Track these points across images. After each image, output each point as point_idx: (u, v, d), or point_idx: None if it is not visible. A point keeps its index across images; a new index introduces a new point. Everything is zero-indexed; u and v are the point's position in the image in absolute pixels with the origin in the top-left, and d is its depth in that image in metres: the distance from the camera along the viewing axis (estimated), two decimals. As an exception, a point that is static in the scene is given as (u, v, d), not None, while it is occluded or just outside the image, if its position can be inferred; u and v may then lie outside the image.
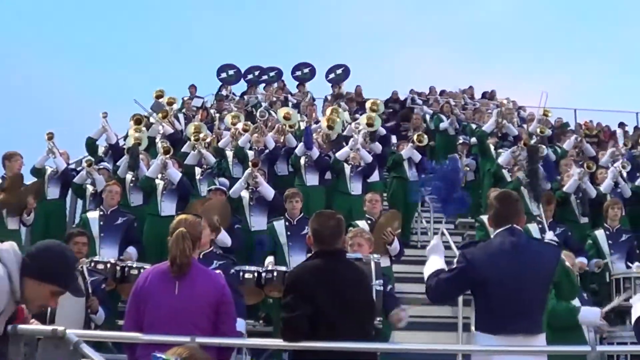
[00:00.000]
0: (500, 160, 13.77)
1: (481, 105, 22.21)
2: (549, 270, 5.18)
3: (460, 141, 16.13)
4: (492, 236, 5.48)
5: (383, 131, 15.67)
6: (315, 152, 13.10)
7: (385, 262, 9.14)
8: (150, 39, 50.60)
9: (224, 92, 22.03)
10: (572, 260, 8.00)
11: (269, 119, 15.41)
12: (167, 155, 11.66)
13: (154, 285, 5.22)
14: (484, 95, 24.74)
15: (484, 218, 10.90)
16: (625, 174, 13.14)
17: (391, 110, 21.85)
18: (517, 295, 4.97)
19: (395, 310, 6.51)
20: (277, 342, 5.17)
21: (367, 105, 15.47)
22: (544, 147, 13.87)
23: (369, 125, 14.03)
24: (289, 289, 5.02)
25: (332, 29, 52.78)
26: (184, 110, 18.96)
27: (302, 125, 15.72)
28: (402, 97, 23.21)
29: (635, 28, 50.02)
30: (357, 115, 17.10)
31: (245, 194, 11.42)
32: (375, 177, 13.76)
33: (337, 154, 13.18)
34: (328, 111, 15.84)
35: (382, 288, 6.18)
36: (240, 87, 23.49)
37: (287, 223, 10.26)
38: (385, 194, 14.03)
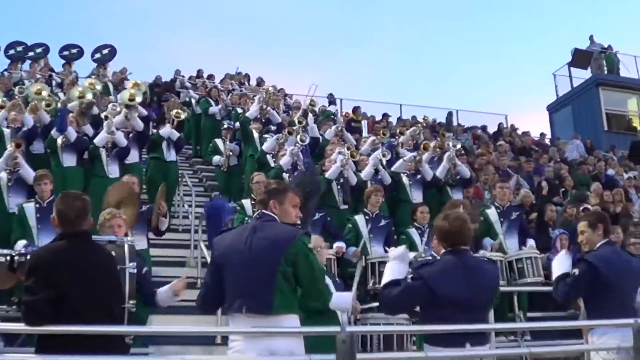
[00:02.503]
0: (264, 146, 14.04)
1: (249, 91, 22.40)
2: (281, 250, 5.10)
3: (225, 126, 16.25)
4: None
5: (144, 112, 15.29)
6: (71, 134, 12.59)
7: (142, 244, 9.13)
8: None
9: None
10: (321, 243, 8.21)
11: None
12: None
13: None
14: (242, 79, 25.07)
15: (244, 202, 11.08)
16: (385, 162, 13.63)
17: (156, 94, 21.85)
18: (243, 275, 5.06)
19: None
20: (26, 327, 4.96)
21: (129, 85, 15.29)
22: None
23: (130, 100, 13.78)
24: (31, 271, 4.88)
25: (99, 9, 51.65)
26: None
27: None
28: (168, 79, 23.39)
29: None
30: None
31: (3, 175, 10.99)
32: (134, 158, 13.53)
33: (96, 140, 12.62)
34: (86, 82, 15.36)
35: (135, 271, 6.12)
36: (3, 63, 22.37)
37: (37, 205, 9.93)
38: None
